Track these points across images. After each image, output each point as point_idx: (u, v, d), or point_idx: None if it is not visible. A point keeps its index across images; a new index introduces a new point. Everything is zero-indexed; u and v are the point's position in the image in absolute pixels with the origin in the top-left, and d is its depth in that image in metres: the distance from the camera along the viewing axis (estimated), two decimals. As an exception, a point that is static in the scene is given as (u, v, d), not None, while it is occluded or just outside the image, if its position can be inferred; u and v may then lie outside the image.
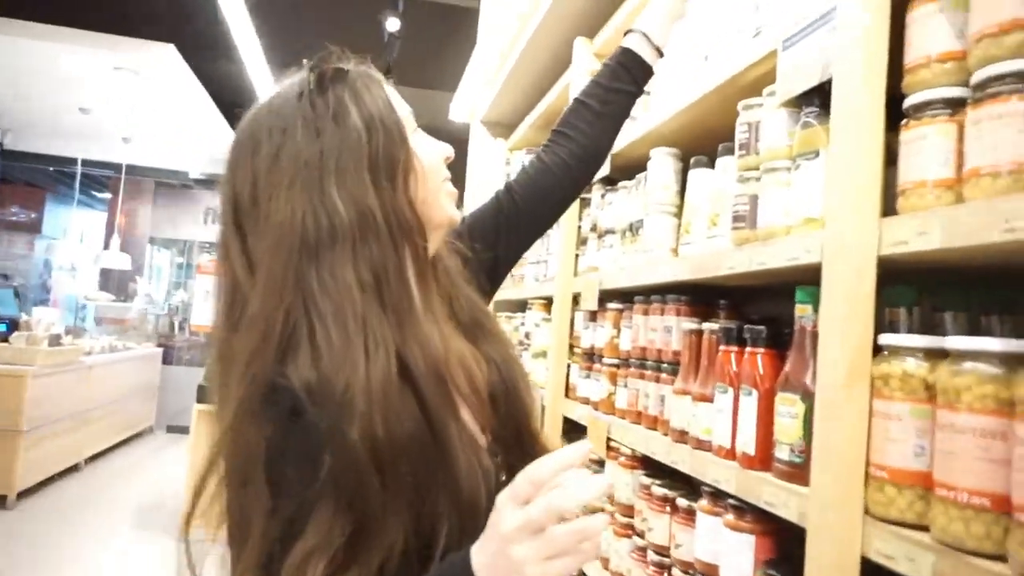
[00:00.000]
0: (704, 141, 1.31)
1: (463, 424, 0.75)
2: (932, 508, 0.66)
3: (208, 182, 9.44)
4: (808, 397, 0.86)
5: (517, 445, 0.81)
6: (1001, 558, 0.59)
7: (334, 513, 0.66)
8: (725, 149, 1.14)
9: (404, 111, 0.81)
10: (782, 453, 0.88)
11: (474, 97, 3.21)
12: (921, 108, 0.71)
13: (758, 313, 1.22)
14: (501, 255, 1.05)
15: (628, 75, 1.09)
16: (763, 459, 0.94)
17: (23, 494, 4.70)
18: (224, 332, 0.75)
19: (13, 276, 8.54)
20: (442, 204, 0.83)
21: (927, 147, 0.70)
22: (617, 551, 1.39)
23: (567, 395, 1.85)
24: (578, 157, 1.08)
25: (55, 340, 5.05)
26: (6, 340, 4.84)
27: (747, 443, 0.96)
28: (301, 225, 0.72)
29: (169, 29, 4.83)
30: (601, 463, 1.53)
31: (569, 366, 1.86)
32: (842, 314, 0.75)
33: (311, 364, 0.68)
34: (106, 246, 7.54)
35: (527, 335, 2.29)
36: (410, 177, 0.77)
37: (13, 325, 5.10)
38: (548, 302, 2.06)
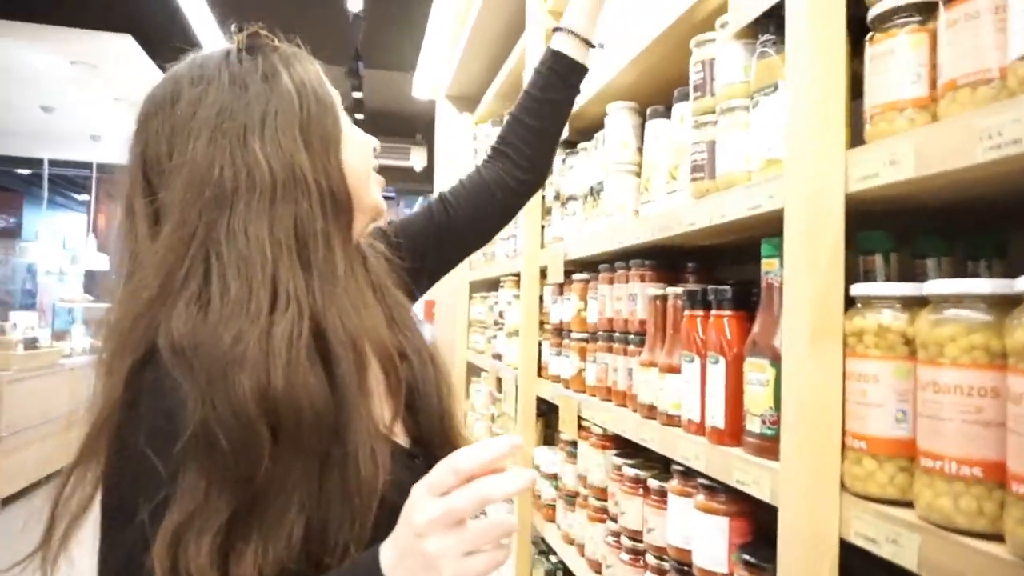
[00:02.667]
0: (663, 91, 1.21)
1: (371, 409, 0.67)
2: (916, 481, 0.57)
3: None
4: (778, 362, 0.76)
5: (437, 446, 0.75)
6: (997, 537, 0.50)
7: (209, 482, 0.59)
8: (680, 94, 1.04)
9: (335, 94, 0.78)
10: (753, 425, 0.79)
11: (436, 72, 3.09)
12: (887, 17, 0.61)
13: (730, 276, 1.12)
14: (427, 267, 1.00)
15: (560, 81, 1.04)
16: (733, 433, 0.85)
17: (7, 500, 4.61)
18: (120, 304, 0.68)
19: (-9, 283, 8.39)
20: (370, 187, 0.79)
21: (896, 63, 0.60)
22: (592, 537, 1.30)
23: (539, 374, 1.75)
24: (516, 177, 1.06)
25: (31, 344, 4.94)
26: (-21, 347, 4.72)
27: (716, 416, 0.87)
28: (218, 175, 0.67)
29: (125, 19, 4.66)
30: (574, 444, 1.44)
31: (540, 344, 1.76)
32: (807, 263, 0.66)
33: (193, 317, 0.63)
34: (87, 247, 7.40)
35: (501, 314, 2.19)
36: (341, 148, 0.74)
37: (-14, 332, 4.97)
38: (519, 278, 1.96)
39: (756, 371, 0.79)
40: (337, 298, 0.69)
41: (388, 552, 0.59)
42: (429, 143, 7.14)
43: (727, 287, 0.89)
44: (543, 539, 1.67)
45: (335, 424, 0.64)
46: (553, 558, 1.61)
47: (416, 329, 0.84)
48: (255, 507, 0.60)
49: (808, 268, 0.65)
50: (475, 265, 2.73)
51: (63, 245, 8.95)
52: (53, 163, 7.51)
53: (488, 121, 2.53)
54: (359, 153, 0.77)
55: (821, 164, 0.65)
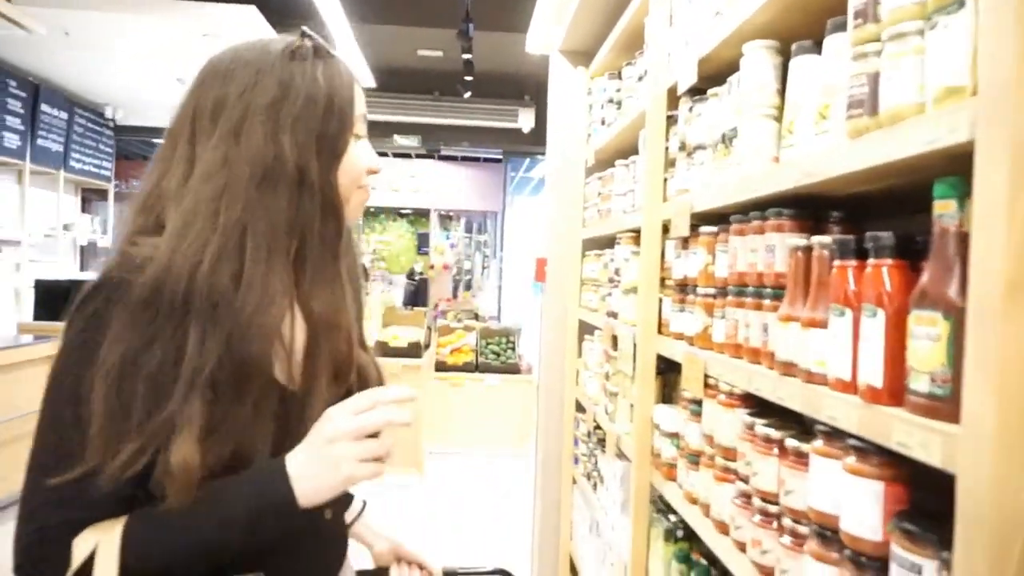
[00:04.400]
0: (808, 26, 1.11)
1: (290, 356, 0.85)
2: None
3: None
4: (954, 313, 0.69)
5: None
6: None
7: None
8: (835, 25, 0.95)
9: (362, 110, 0.90)
10: (919, 384, 0.72)
11: (550, 27, 3.02)
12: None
13: (877, 227, 1.03)
14: None
15: None
16: (893, 392, 0.78)
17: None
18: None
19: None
20: (351, 202, 0.90)
21: None
22: (719, 497, 1.26)
23: (660, 331, 1.71)
24: None
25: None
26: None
27: (872, 373, 0.80)
28: (254, 153, 0.80)
29: (250, -9, 4.87)
30: (698, 402, 1.39)
31: (661, 300, 1.71)
32: (1003, 203, 0.58)
33: (221, 272, 0.77)
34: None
35: (617, 271, 2.15)
36: (341, 162, 0.86)
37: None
38: (637, 234, 1.91)
39: (925, 325, 0.72)
40: (319, 285, 0.86)
41: (294, 458, 0.77)
42: (537, 105, 7.07)
43: (887, 234, 0.81)
44: (662, 498, 1.65)
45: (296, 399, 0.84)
46: (673, 517, 1.58)
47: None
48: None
49: (1007, 209, 0.57)
50: (588, 223, 2.69)
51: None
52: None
53: (605, 74, 2.45)
54: (354, 166, 0.88)
55: (1025, 86, 0.56)
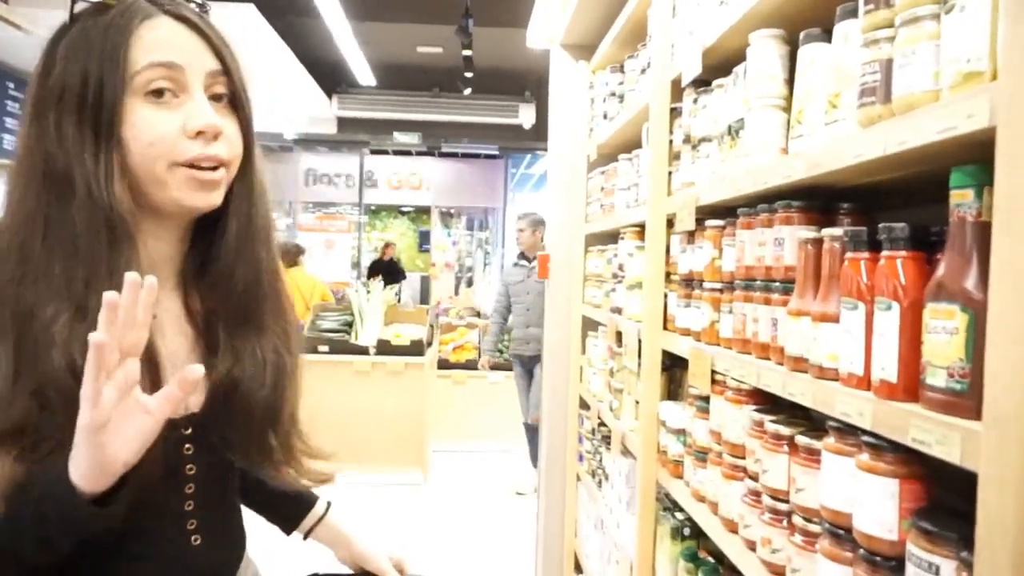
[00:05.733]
0: (817, 13, 1.09)
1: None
2: None
3: (305, 142, 9.67)
4: (972, 306, 0.67)
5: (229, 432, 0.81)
6: None
7: None
8: (845, 12, 0.92)
9: (161, 57, 0.72)
10: (935, 379, 0.70)
11: (551, 20, 3.00)
12: None
13: (887, 218, 1.01)
14: None
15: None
16: (908, 387, 0.76)
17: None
18: None
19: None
20: (165, 182, 0.73)
21: None
22: (727, 495, 1.24)
23: (665, 327, 1.69)
24: None
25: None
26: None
27: (887, 368, 0.78)
28: (32, 157, 0.72)
29: (247, -13, 4.85)
30: (705, 399, 1.37)
31: (666, 295, 1.69)
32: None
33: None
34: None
35: (620, 266, 2.13)
36: (118, 142, 0.71)
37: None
38: (641, 228, 1.89)
39: (942, 318, 0.70)
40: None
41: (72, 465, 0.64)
42: (538, 100, 7.05)
43: (901, 225, 0.79)
44: (668, 495, 1.63)
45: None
46: (680, 515, 1.56)
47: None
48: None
49: (1028, 195, 0.55)
50: (592, 218, 2.66)
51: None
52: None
53: (607, 68, 2.43)
54: (157, 140, 0.72)
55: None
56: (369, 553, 1.06)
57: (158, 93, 0.72)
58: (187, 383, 0.63)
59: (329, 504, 1.09)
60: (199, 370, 0.63)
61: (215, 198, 0.76)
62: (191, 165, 0.73)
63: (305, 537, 1.08)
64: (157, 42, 0.72)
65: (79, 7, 0.74)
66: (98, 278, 0.69)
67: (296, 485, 0.91)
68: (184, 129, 0.72)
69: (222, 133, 0.75)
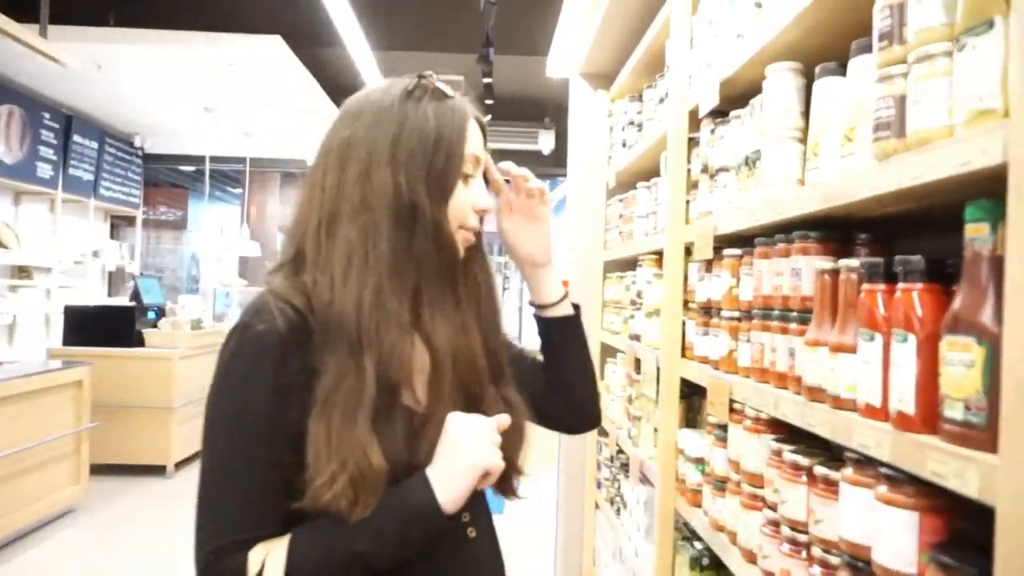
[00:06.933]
0: (832, 48, 1.11)
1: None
2: None
3: (326, 169, 9.79)
4: (988, 339, 0.67)
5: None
6: None
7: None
8: (860, 47, 0.94)
9: (472, 150, 0.91)
10: (953, 411, 0.71)
11: (570, 50, 3.05)
12: None
13: (903, 250, 1.02)
14: None
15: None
16: (926, 419, 0.76)
17: (180, 464, 5.12)
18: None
19: (163, 269, 9.30)
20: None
21: None
22: (746, 525, 1.24)
23: (684, 355, 1.69)
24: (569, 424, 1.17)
25: (196, 324, 5.43)
26: (155, 326, 5.25)
27: (904, 400, 0.78)
28: (384, 194, 0.86)
29: (273, 21, 4.97)
30: (723, 427, 1.37)
31: (684, 323, 1.70)
32: (1038, 225, 0.56)
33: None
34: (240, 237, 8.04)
35: (639, 293, 2.14)
36: (449, 200, 0.89)
37: (161, 312, 5.52)
38: (660, 256, 1.90)
39: (959, 351, 0.70)
40: (443, 324, 0.90)
41: (433, 464, 0.84)
42: (558, 126, 7.12)
43: (918, 257, 0.80)
44: (687, 524, 1.62)
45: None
46: (698, 544, 1.55)
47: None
48: None
49: (1042, 229, 0.56)
50: (610, 245, 2.68)
51: (220, 233, 9.78)
52: (213, 159, 8.17)
53: (625, 97, 2.46)
54: (460, 209, 0.91)
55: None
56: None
57: (467, 178, 0.92)
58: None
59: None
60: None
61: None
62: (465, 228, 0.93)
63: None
64: (472, 137, 0.92)
65: (429, 84, 0.91)
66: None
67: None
68: (473, 204, 0.92)
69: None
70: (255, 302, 0.84)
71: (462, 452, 0.83)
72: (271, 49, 4.99)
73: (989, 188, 0.71)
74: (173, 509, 4.31)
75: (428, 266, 0.88)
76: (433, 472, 0.83)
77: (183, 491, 4.58)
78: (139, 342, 5.07)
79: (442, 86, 0.91)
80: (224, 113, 6.60)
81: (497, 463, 0.85)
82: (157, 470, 5.02)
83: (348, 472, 0.78)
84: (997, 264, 0.68)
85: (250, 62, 5.21)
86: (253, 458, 0.80)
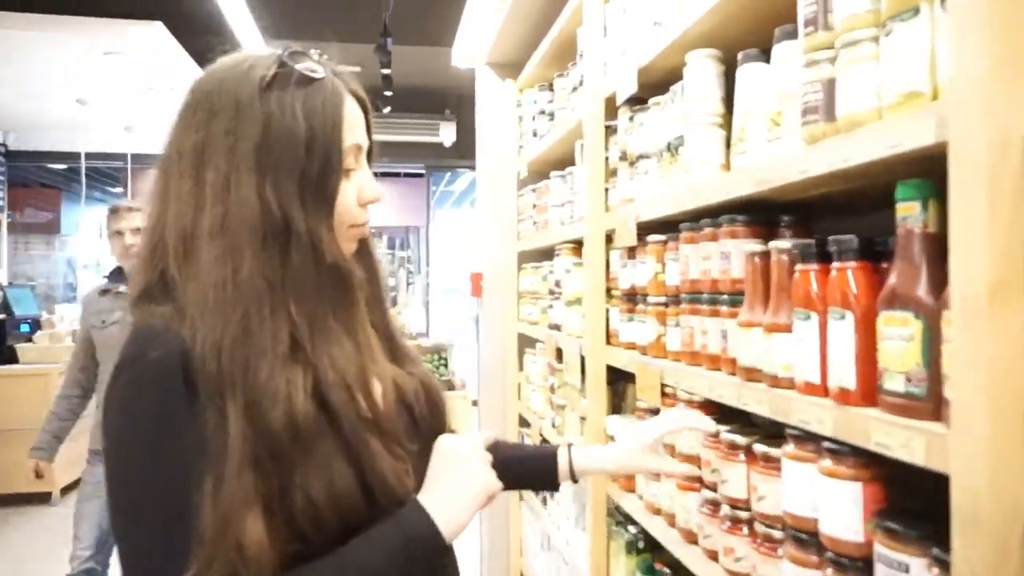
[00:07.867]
0: (751, 34, 1.13)
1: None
2: None
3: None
4: (925, 313, 0.70)
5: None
6: None
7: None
8: (784, 33, 0.96)
9: (353, 140, 0.80)
10: (894, 384, 0.73)
11: (476, 39, 3.01)
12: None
13: (823, 231, 1.06)
14: None
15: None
16: (866, 393, 0.79)
17: (66, 490, 4.73)
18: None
19: (35, 278, 8.56)
20: (344, 242, 0.82)
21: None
22: (684, 506, 1.26)
23: (608, 342, 1.70)
24: None
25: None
26: (30, 340, 4.82)
27: (844, 375, 0.81)
28: (248, 210, 0.74)
29: (155, 7, 4.64)
30: (655, 412, 1.39)
31: (608, 311, 1.71)
32: (983, 205, 0.59)
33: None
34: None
35: (557, 283, 2.15)
36: (332, 207, 0.78)
37: (36, 324, 5.07)
38: (578, 245, 1.91)
39: (896, 325, 0.73)
40: (328, 350, 0.76)
41: (426, 491, 0.78)
42: (460, 118, 7.06)
43: (851, 236, 0.82)
44: (619, 508, 1.64)
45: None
46: (632, 528, 1.57)
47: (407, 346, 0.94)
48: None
49: (988, 211, 0.58)
50: (524, 235, 2.67)
51: (100, 236, 9.09)
52: (89, 156, 7.58)
53: (535, 86, 2.45)
54: (343, 216, 0.80)
55: (999, 91, 0.58)
56: (628, 454, 1.11)
57: (348, 172, 0.80)
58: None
59: (570, 445, 1.13)
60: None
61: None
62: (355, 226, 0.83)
63: (575, 480, 1.11)
64: (351, 124, 0.80)
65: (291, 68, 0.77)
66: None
67: (527, 447, 1.16)
68: (359, 198, 0.82)
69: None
70: (137, 333, 0.73)
71: (468, 482, 0.78)
72: (153, 37, 4.65)
73: (915, 169, 0.74)
74: (62, 540, 3.97)
75: (308, 288, 0.75)
76: (431, 502, 0.76)
77: (72, 520, 4.24)
78: (11, 358, 4.64)
79: (308, 68, 0.78)
80: (101, 106, 6.11)
81: (499, 486, 0.80)
82: (41, 497, 4.61)
83: (221, 558, 0.66)
84: (930, 240, 0.72)
85: (130, 50, 4.83)
86: (188, 496, 0.67)
